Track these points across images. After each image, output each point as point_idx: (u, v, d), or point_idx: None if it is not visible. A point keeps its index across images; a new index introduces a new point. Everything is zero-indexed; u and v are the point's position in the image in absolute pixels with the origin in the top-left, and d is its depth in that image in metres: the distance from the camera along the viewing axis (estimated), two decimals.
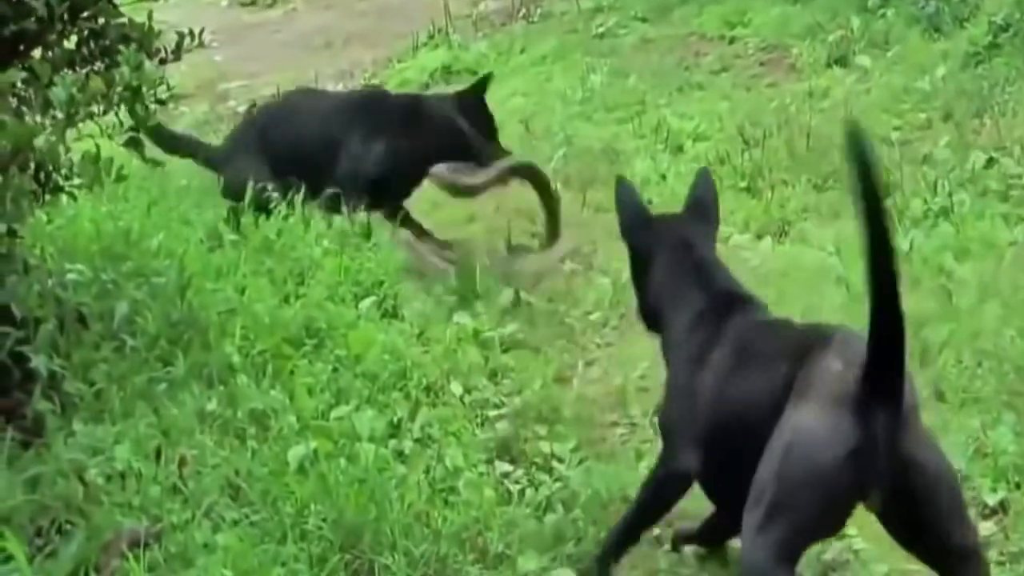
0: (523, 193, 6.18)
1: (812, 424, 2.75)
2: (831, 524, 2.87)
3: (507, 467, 3.81)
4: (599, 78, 7.54)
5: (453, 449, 3.75)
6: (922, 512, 2.80)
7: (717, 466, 3.10)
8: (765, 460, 2.80)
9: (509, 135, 7.16)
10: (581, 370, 4.46)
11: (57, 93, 3.27)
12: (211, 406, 3.72)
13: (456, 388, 4.17)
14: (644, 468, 3.79)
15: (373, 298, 4.59)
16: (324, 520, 3.26)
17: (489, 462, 3.83)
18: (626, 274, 4.99)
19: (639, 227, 3.48)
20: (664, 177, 6.15)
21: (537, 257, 5.41)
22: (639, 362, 4.36)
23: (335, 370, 4.03)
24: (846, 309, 4.43)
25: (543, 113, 7.32)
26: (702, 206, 3.47)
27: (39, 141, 3.38)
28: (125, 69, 3.38)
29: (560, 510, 3.55)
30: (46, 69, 3.33)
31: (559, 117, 7.12)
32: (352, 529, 3.24)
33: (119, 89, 3.34)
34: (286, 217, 4.93)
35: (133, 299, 3.98)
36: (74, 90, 3.25)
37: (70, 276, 4.00)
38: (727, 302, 3.26)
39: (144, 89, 3.36)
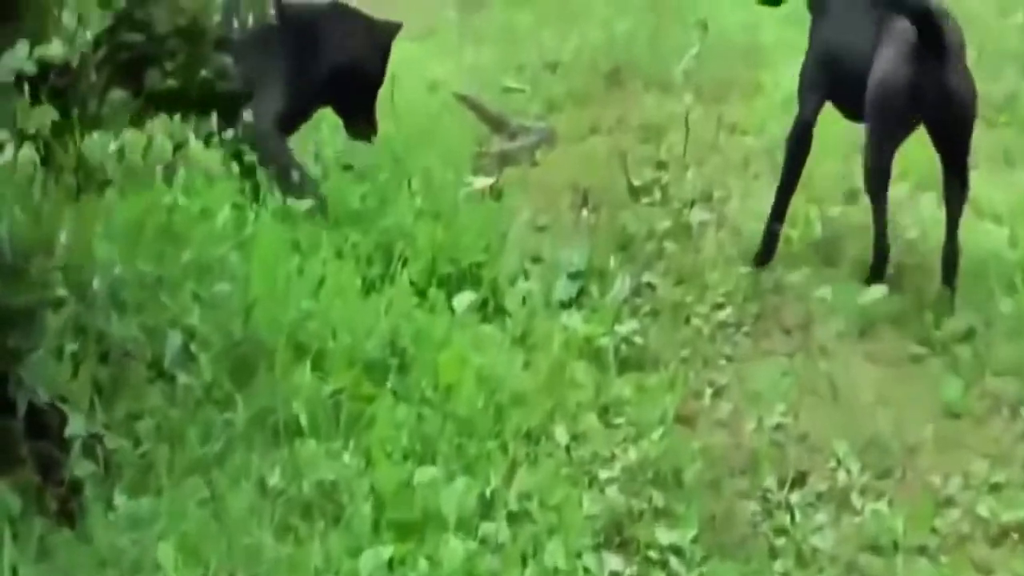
0: (646, 106, 5.44)
1: (884, 68, 4.14)
2: (903, 133, 4.24)
3: (616, 563, 3.23)
4: None
5: (554, 539, 3.18)
6: (953, 131, 4.18)
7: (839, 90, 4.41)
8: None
9: (633, 7, 6.32)
10: (708, 403, 3.82)
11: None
12: (273, 480, 3.18)
13: (561, 435, 3.56)
14: (779, 571, 3.24)
15: (470, 297, 3.95)
16: None
17: (596, 549, 3.26)
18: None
19: None
20: None
21: None
22: (775, 402, 3.71)
23: (420, 416, 3.44)
24: None
25: None
26: None
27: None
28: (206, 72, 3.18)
29: None
30: None
31: None
32: None
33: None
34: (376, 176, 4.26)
35: (188, 327, 3.40)
36: None
37: (117, 271, 3.48)
38: None
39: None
